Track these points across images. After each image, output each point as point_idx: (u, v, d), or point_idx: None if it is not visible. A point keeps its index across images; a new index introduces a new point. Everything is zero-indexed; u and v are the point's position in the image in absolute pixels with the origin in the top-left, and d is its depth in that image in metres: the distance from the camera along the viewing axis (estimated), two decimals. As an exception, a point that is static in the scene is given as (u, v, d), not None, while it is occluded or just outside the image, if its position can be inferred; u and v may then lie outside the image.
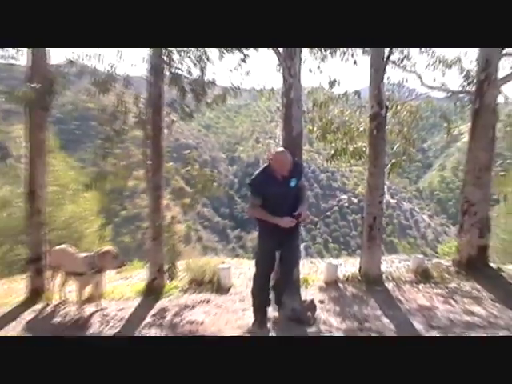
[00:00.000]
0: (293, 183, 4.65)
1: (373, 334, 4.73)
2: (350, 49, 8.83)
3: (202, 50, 6.44)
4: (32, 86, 5.83)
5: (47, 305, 5.82)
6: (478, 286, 6.45)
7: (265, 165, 4.73)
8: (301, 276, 6.46)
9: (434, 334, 4.75)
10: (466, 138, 7.82)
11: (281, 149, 4.76)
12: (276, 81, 7.01)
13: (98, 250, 5.35)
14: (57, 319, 5.39)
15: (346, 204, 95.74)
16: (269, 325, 4.97)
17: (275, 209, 4.57)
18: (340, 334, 4.74)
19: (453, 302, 5.82)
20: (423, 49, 9.38)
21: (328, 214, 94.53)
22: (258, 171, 4.76)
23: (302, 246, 7.01)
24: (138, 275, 7.57)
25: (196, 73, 6.51)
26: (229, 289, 6.35)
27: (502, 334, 4.76)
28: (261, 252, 4.93)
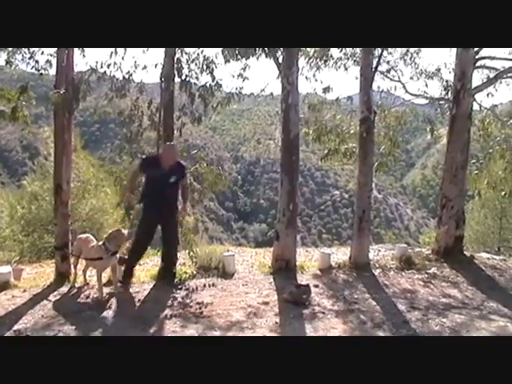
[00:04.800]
0: (172, 179, 5.35)
1: (363, 317, 4.76)
2: (342, 59, 8.85)
3: (210, 58, 6.42)
4: (59, 92, 5.82)
5: (72, 287, 5.83)
6: (454, 272, 6.50)
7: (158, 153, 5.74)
8: (297, 263, 6.50)
9: (416, 313, 4.77)
10: (444, 140, 7.84)
11: (171, 143, 5.48)
12: (275, 88, 7.00)
13: (106, 236, 5.38)
14: (80, 300, 5.42)
15: (338, 199, 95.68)
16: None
17: (152, 191, 5.37)
18: (333, 315, 4.74)
19: (432, 286, 5.87)
20: (408, 60, 9.38)
21: (322, 207, 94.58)
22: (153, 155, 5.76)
23: (298, 237, 7.07)
24: (151, 262, 7.57)
25: (204, 79, 6.49)
26: (233, 274, 6.34)
27: (474, 313, 4.79)
28: (143, 224, 5.58)
